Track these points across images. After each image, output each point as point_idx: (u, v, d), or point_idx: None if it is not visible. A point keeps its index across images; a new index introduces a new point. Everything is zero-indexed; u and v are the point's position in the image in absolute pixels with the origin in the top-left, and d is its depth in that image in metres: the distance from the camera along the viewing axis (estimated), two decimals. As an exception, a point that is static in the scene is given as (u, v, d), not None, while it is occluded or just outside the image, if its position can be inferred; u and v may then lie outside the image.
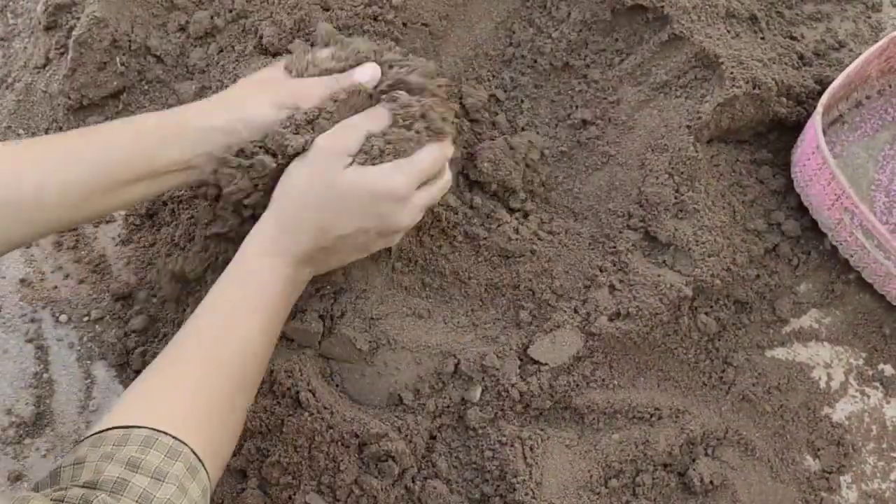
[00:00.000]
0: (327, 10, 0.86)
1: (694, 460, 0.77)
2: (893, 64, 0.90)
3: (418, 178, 0.69)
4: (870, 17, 0.98)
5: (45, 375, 0.80)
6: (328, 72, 0.73)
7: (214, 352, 0.63)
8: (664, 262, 0.81)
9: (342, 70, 0.73)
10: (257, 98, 0.70)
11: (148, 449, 0.55)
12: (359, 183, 0.66)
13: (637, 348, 0.80)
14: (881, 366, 0.84)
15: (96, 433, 0.57)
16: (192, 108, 0.71)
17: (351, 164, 0.67)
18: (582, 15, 0.90)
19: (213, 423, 0.61)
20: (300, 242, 0.66)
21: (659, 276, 0.79)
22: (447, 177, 0.74)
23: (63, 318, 0.83)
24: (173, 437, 0.56)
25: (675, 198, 0.83)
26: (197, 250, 0.78)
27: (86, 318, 0.83)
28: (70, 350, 0.81)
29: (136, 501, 0.52)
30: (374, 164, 0.67)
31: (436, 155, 0.71)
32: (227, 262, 0.69)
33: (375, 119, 0.69)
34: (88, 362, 0.81)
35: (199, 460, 0.57)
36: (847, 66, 0.83)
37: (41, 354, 0.81)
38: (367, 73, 0.71)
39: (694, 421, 0.78)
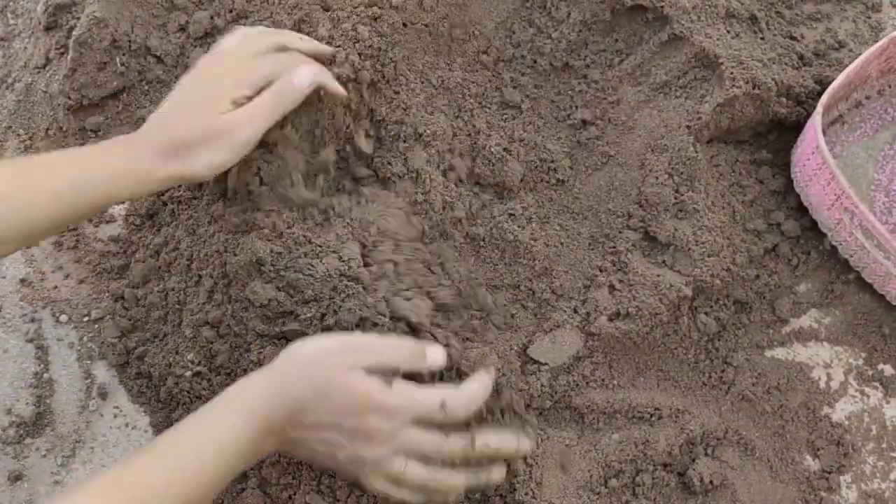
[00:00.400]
0: (327, 10, 0.86)
1: (694, 460, 0.77)
2: (893, 64, 0.90)
3: (414, 411, 0.63)
4: (870, 17, 0.98)
5: (45, 375, 0.80)
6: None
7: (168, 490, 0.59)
8: (664, 262, 0.81)
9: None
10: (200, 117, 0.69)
11: None
12: (356, 383, 0.62)
13: (637, 348, 0.80)
14: (881, 366, 0.84)
15: None
16: (136, 145, 0.69)
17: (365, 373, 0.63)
18: (582, 15, 0.90)
19: None
20: (274, 411, 0.62)
21: (659, 276, 0.79)
22: (448, 448, 0.65)
23: (63, 318, 0.83)
24: None
25: (675, 198, 0.83)
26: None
27: (86, 318, 0.83)
28: (70, 350, 0.82)
29: None
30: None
31: (448, 402, 0.64)
32: None
33: (402, 356, 0.65)
34: (88, 362, 0.81)
35: None
36: (847, 66, 0.83)
37: (41, 354, 0.81)
38: (306, 77, 0.71)
39: (694, 421, 0.78)
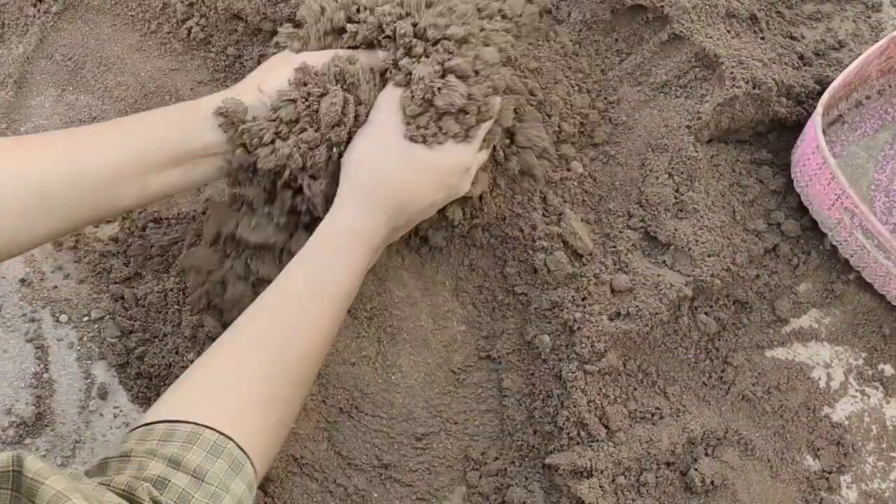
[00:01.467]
0: None
1: (695, 460, 0.77)
2: (893, 64, 0.90)
3: (477, 148, 0.72)
4: (870, 17, 0.98)
5: (45, 375, 0.80)
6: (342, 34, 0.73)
7: (279, 350, 0.61)
8: (664, 262, 0.81)
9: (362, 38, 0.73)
10: (278, 73, 0.71)
11: (190, 446, 0.54)
12: (436, 161, 0.68)
13: (637, 348, 0.80)
14: (881, 366, 0.84)
15: (144, 425, 0.56)
16: (221, 94, 0.71)
17: (419, 140, 0.68)
18: (582, 15, 0.90)
19: (266, 418, 0.60)
20: (378, 225, 0.68)
21: (659, 276, 0.79)
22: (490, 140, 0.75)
23: (63, 317, 0.83)
24: (218, 433, 0.55)
25: (675, 198, 0.83)
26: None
27: (86, 318, 0.83)
28: (70, 350, 0.81)
29: (175, 501, 0.52)
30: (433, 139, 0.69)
31: (487, 126, 0.72)
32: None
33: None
34: (88, 362, 0.81)
35: (246, 454, 0.56)
36: (847, 65, 0.83)
37: (41, 354, 0.81)
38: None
39: (694, 421, 0.78)
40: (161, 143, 0.67)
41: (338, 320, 0.66)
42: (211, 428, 0.56)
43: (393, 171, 0.68)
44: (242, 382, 0.60)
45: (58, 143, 0.65)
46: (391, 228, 0.69)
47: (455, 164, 0.70)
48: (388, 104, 0.70)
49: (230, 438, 0.56)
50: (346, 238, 0.67)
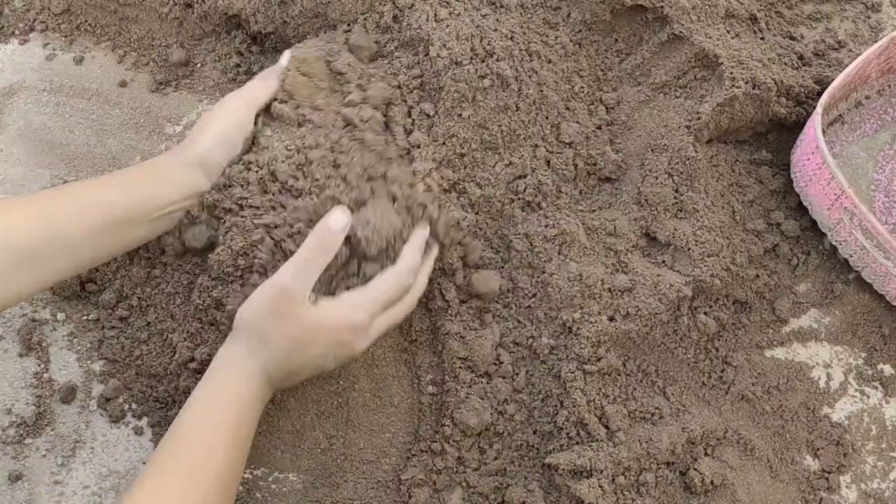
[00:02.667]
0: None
1: (695, 460, 0.77)
2: (893, 64, 0.90)
3: (377, 310, 0.71)
4: (869, 17, 0.98)
5: (45, 375, 0.80)
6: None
7: (194, 463, 0.64)
8: (664, 262, 0.81)
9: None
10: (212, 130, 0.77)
11: None
12: (323, 319, 0.68)
13: (637, 348, 0.80)
14: (881, 366, 0.84)
15: None
16: (185, 148, 0.76)
17: (314, 300, 0.69)
18: (582, 15, 0.90)
19: None
20: (267, 364, 0.69)
21: (659, 276, 0.79)
22: (409, 300, 0.74)
23: (63, 317, 0.83)
24: None
25: (675, 198, 0.83)
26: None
27: (86, 318, 0.83)
28: (70, 350, 0.81)
29: None
30: (331, 296, 0.70)
31: (391, 283, 0.71)
32: None
33: (327, 251, 0.70)
34: (88, 362, 0.81)
35: None
36: (847, 66, 0.83)
37: (41, 354, 0.81)
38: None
39: (694, 421, 0.78)
40: (136, 202, 0.72)
41: (242, 442, 0.67)
42: None
43: (279, 326, 0.68)
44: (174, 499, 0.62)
45: (36, 206, 0.69)
46: (280, 371, 0.69)
47: (345, 324, 0.69)
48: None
49: None
50: (237, 369, 0.68)
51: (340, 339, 0.69)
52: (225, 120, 0.77)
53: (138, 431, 0.79)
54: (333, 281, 0.71)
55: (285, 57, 0.81)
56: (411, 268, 0.73)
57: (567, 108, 0.86)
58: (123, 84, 0.93)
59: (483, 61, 0.80)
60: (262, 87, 0.79)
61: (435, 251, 0.76)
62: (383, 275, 0.71)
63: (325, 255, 0.69)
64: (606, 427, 0.76)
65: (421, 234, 0.75)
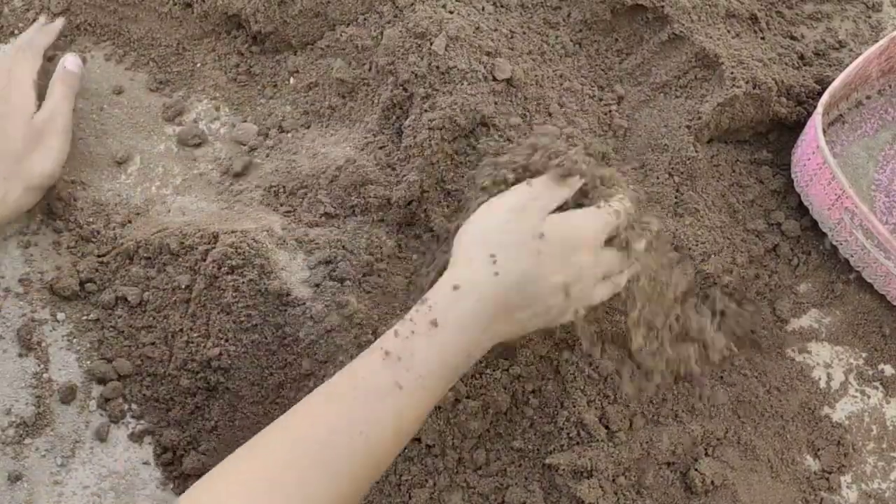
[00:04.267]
0: None
1: (695, 460, 0.77)
2: (893, 64, 0.90)
3: (607, 230, 0.65)
4: (870, 17, 0.98)
5: (45, 375, 0.80)
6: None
7: (326, 459, 0.53)
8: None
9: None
10: None
11: None
12: (559, 229, 0.62)
13: (637, 348, 0.80)
14: (881, 366, 0.84)
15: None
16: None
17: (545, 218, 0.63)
18: (582, 15, 0.90)
19: None
20: (488, 313, 0.59)
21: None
22: (621, 279, 0.69)
23: (63, 317, 0.83)
24: None
25: (675, 198, 0.83)
26: None
27: (85, 318, 0.83)
28: (70, 350, 0.81)
29: None
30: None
31: (623, 209, 0.66)
32: None
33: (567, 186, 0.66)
34: (88, 362, 0.81)
35: None
36: (847, 66, 0.83)
37: (41, 354, 0.81)
38: (72, 61, 0.85)
39: (694, 421, 0.78)
40: None
41: (409, 430, 0.57)
42: None
43: (510, 240, 0.60)
44: (277, 490, 0.52)
45: None
46: (505, 314, 0.60)
47: (581, 233, 0.63)
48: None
49: None
50: (446, 309, 0.58)
51: (576, 261, 0.61)
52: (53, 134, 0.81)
53: (138, 432, 0.79)
54: None
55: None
56: (632, 200, 0.68)
57: (567, 108, 0.86)
58: (119, 91, 0.93)
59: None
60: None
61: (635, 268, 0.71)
62: (612, 201, 0.66)
63: (567, 190, 0.64)
64: (606, 427, 0.76)
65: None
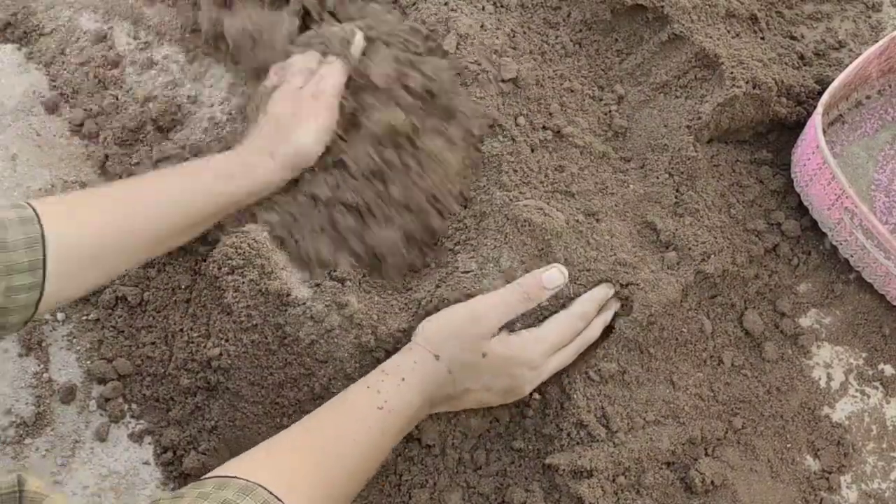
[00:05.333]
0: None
1: (695, 460, 0.77)
2: (893, 64, 0.90)
3: (550, 351, 0.73)
4: (870, 17, 0.98)
5: (45, 375, 0.80)
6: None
7: (336, 445, 0.66)
8: (664, 261, 0.81)
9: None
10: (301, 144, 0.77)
11: (244, 496, 0.56)
12: (500, 351, 0.70)
13: (637, 348, 0.80)
14: (881, 366, 0.84)
15: (202, 479, 0.58)
16: (251, 155, 0.77)
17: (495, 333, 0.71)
18: (582, 15, 0.90)
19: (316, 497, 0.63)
20: (432, 384, 0.70)
21: (659, 275, 0.79)
22: (574, 348, 0.75)
23: (63, 317, 0.83)
24: (270, 493, 0.57)
25: (675, 197, 0.83)
26: None
27: (85, 318, 0.83)
28: (70, 350, 0.81)
29: None
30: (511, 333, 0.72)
31: (566, 325, 0.73)
32: None
33: (530, 301, 0.73)
34: (88, 362, 0.81)
35: None
36: (847, 66, 0.83)
37: (41, 354, 0.81)
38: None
39: (693, 421, 0.78)
40: (214, 205, 0.74)
41: (384, 446, 0.69)
42: (263, 487, 0.57)
43: (461, 356, 0.70)
44: (303, 463, 0.63)
45: (111, 205, 0.70)
46: (445, 394, 0.71)
47: (521, 359, 0.71)
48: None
49: (281, 501, 0.57)
50: (409, 389, 0.70)
51: (512, 373, 0.71)
52: (320, 118, 0.78)
53: (138, 432, 0.79)
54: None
55: (358, 40, 0.82)
56: (584, 314, 0.74)
57: (567, 108, 0.86)
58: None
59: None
60: (337, 72, 0.80)
61: (612, 310, 0.77)
62: (559, 316, 0.74)
63: (527, 305, 0.72)
64: (606, 427, 0.76)
65: (604, 289, 0.76)
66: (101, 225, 0.68)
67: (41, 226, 0.64)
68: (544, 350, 0.72)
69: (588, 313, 0.75)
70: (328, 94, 0.79)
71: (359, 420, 0.67)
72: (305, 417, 0.67)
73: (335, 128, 0.79)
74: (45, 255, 0.64)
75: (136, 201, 0.71)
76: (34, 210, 0.65)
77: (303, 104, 0.78)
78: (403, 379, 0.69)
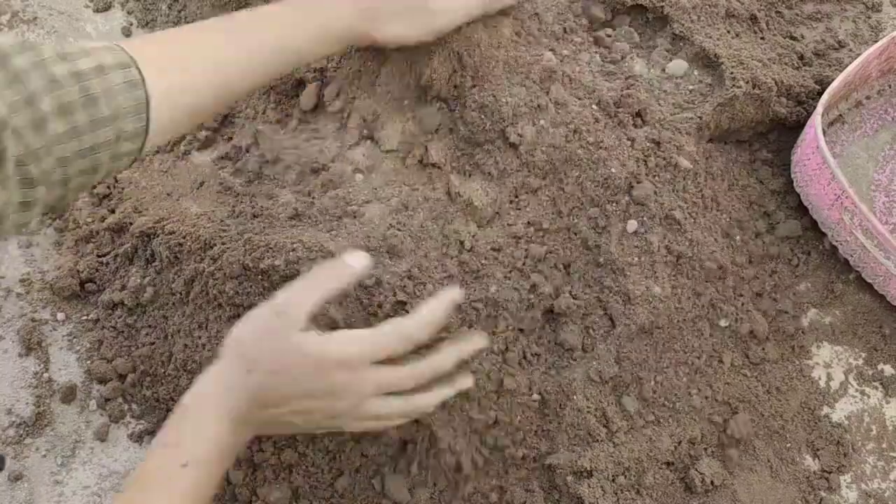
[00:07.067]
0: None
1: (696, 460, 0.77)
2: (893, 64, 0.90)
3: (371, 354, 0.63)
4: (870, 17, 0.98)
5: (45, 375, 0.80)
6: None
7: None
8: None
9: None
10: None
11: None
12: (313, 348, 0.62)
13: (636, 348, 0.80)
14: (881, 366, 0.84)
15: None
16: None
17: (306, 328, 0.63)
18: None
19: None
20: (241, 404, 0.63)
21: (658, 276, 0.79)
22: (412, 372, 0.66)
23: (63, 317, 0.83)
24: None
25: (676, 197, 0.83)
26: None
27: (85, 318, 0.83)
28: (70, 350, 0.81)
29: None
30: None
31: (395, 329, 0.64)
32: None
33: (333, 280, 0.65)
34: (88, 362, 0.81)
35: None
36: (847, 66, 0.83)
37: (41, 354, 0.81)
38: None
39: (694, 421, 0.78)
40: (307, 50, 0.72)
41: (202, 488, 0.62)
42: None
43: (262, 353, 0.63)
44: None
45: (209, 55, 0.68)
46: (257, 408, 0.63)
47: (333, 357, 0.62)
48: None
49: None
50: (205, 414, 0.63)
51: (329, 379, 0.62)
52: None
53: (138, 432, 0.79)
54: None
55: None
56: (424, 322, 0.65)
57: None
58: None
59: None
60: None
61: (476, 341, 0.69)
62: (391, 320, 0.65)
63: (330, 285, 0.64)
64: (606, 427, 0.76)
65: (451, 293, 0.67)
66: (203, 81, 0.67)
67: (145, 88, 0.61)
68: (363, 350, 0.63)
69: (429, 319, 0.65)
70: None
71: (161, 487, 0.60)
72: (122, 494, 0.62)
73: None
74: (147, 120, 0.62)
75: (239, 50, 0.69)
76: (132, 58, 0.61)
77: None
78: (206, 414, 0.62)
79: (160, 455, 0.62)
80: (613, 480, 0.74)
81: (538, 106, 0.78)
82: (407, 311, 0.68)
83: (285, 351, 0.62)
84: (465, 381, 0.70)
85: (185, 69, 0.65)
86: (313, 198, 0.77)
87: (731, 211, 0.86)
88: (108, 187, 0.87)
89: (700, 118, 0.84)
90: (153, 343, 0.81)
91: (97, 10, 0.96)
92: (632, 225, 0.80)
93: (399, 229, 0.74)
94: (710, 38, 0.86)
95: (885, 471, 0.80)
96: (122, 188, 0.87)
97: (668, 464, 0.77)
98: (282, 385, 0.63)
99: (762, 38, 0.91)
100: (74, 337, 0.82)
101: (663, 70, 0.87)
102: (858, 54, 0.85)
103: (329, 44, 0.73)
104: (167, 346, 0.81)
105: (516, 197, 0.78)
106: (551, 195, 0.78)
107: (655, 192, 0.81)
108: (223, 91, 0.68)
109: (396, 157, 0.79)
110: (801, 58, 0.92)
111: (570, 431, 0.75)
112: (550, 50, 0.83)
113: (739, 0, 0.90)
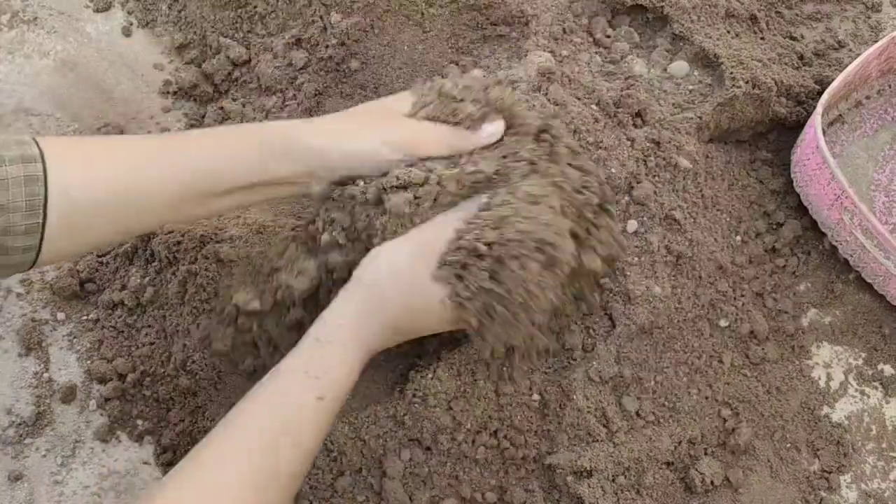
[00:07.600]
0: None
1: (696, 460, 0.77)
2: (893, 64, 0.90)
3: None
4: (870, 17, 0.98)
5: (45, 375, 0.80)
6: (453, 112, 0.69)
7: (270, 454, 0.60)
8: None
9: (468, 115, 0.68)
10: (370, 133, 0.69)
11: None
12: (437, 294, 0.64)
13: (636, 349, 0.80)
14: (881, 366, 0.84)
15: None
16: (300, 125, 0.70)
17: (440, 268, 0.64)
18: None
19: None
20: (375, 338, 0.65)
21: (658, 276, 0.79)
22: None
23: (63, 317, 0.83)
24: None
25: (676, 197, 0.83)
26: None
27: (85, 318, 0.83)
28: (70, 350, 0.81)
29: None
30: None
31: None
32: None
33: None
34: (88, 362, 0.81)
35: None
36: (847, 66, 0.83)
37: (41, 354, 0.81)
38: (492, 130, 0.68)
39: (693, 421, 0.78)
40: (234, 170, 0.66)
41: (327, 420, 0.63)
42: None
43: (402, 294, 0.65)
44: (232, 484, 0.58)
45: (124, 158, 0.64)
46: (386, 342, 0.67)
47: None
48: (439, 231, 0.66)
49: None
50: (341, 344, 0.64)
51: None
52: (369, 140, 0.69)
53: (138, 432, 0.79)
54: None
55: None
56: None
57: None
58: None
59: None
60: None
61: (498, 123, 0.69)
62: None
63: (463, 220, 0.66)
64: (606, 427, 0.76)
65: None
66: (113, 179, 0.63)
67: (46, 182, 0.59)
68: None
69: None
70: None
71: (296, 418, 0.60)
72: (231, 414, 0.61)
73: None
74: (44, 217, 0.59)
75: (157, 156, 0.65)
76: (41, 153, 0.60)
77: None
78: (342, 343, 0.63)
79: (302, 385, 0.61)
80: (613, 480, 0.74)
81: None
82: None
83: (425, 300, 0.64)
84: None
85: (99, 177, 0.62)
86: None
87: (731, 211, 0.86)
88: None
89: (700, 118, 0.84)
90: (153, 343, 0.81)
91: (97, 10, 0.96)
92: (632, 225, 0.80)
93: None
94: (710, 38, 0.86)
95: (885, 471, 0.80)
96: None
97: (668, 464, 0.77)
98: (413, 327, 0.67)
99: (762, 39, 0.91)
100: (74, 337, 0.82)
101: (663, 70, 0.87)
102: (858, 54, 0.85)
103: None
104: (167, 345, 0.81)
105: None
106: (551, 195, 0.78)
107: (655, 192, 0.81)
108: (132, 210, 0.64)
109: None
110: (801, 58, 0.92)
111: (570, 431, 0.75)
112: (549, 51, 0.84)
113: (739, 0, 0.90)
